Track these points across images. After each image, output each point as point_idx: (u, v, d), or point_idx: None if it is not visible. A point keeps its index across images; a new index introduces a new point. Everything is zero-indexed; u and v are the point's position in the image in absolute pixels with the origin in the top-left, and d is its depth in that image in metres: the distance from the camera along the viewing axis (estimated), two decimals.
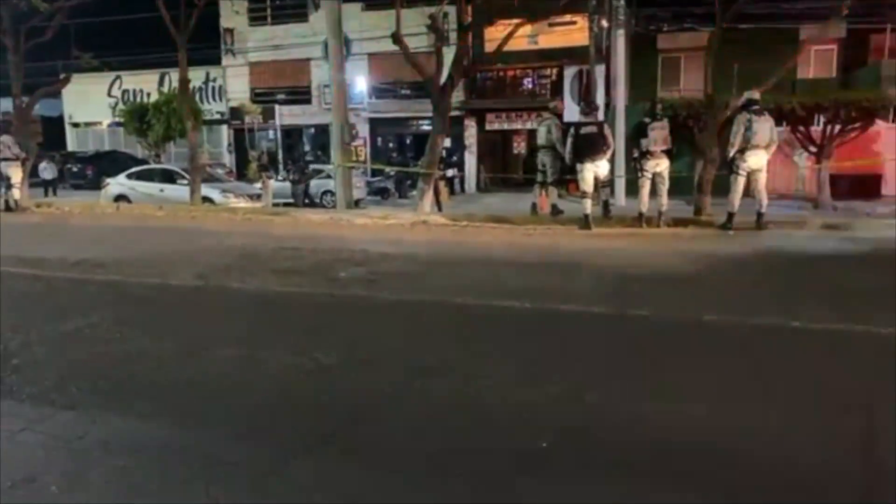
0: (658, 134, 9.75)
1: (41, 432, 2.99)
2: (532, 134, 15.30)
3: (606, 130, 10.19)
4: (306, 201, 18.75)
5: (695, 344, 4.29)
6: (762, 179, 9.33)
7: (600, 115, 10.68)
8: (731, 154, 9.37)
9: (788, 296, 5.62)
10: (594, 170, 9.91)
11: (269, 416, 3.17)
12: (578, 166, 9.94)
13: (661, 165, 9.84)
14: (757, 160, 9.20)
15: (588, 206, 9.92)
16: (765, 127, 9.15)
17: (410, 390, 3.49)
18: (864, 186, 18.29)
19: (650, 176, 9.87)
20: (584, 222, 9.90)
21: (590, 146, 9.81)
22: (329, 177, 17.89)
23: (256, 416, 3.18)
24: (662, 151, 9.79)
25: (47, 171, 23.08)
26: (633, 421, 3.05)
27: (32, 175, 22.31)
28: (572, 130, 10.15)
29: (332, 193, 15.96)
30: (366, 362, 3.91)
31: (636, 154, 10.12)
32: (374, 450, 2.81)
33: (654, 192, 9.94)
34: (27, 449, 2.83)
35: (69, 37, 17.24)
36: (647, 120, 9.94)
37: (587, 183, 9.91)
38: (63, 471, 2.64)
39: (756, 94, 9.48)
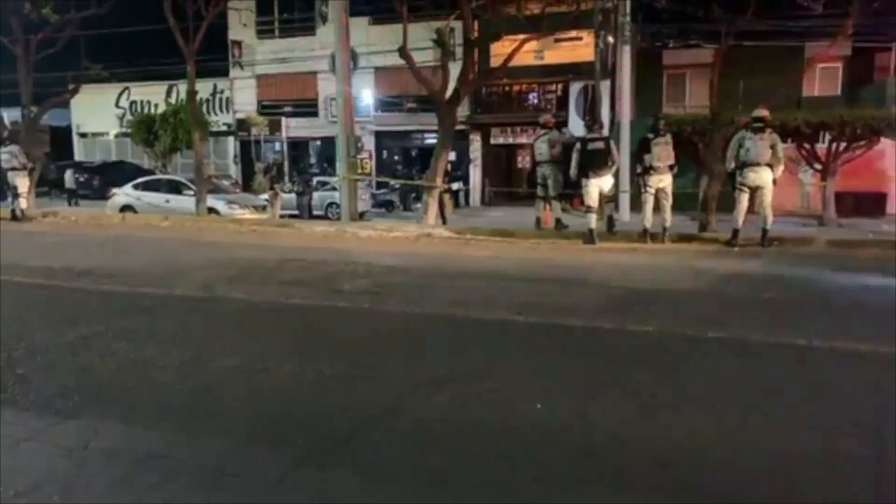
0: (661, 150, 9.76)
1: (45, 441, 3.00)
2: None
3: (613, 146, 10.23)
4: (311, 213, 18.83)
5: (698, 360, 4.28)
6: (767, 196, 9.31)
7: (604, 132, 10.66)
8: (730, 170, 9.43)
9: (793, 313, 5.61)
10: (599, 185, 9.94)
11: (272, 427, 3.18)
12: (583, 181, 9.95)
13: (665, 181, 9.84)
14: (757, 177, 9.20)
15: (592, 220, 9.94)
16: (762, 145, 9.13)
17: (413, 402, 3.49)
18: (869, 204, 18.28)
19: (653, 192, 9.89)
20: (589, 237, 9.91)
21: (595, 161, 9.83)
22: (334, 189, 17.95)
23: (259, 426, 3.19)
24: (666, 167, 9.81)
25: (71, 180, 23.41)
26: (636, 435, 3.04)
27: (62, 185, 22.79)
28: (578, 145, 10.16)
29: (338, 205, 16.02)
30: (369, 374, 3.92)
31: (639, 170, 10.14)
32: (376, 461, 2.81)
33: (657, 207, 9.95)
34: (31, 458, 2.85)
35: (79, 48, 17.48)
36: (650, 136, 9.95)
37: (592, 198, 9.93)
38: (66, 480, 2.65)
39: (763, 112, 9.48)
